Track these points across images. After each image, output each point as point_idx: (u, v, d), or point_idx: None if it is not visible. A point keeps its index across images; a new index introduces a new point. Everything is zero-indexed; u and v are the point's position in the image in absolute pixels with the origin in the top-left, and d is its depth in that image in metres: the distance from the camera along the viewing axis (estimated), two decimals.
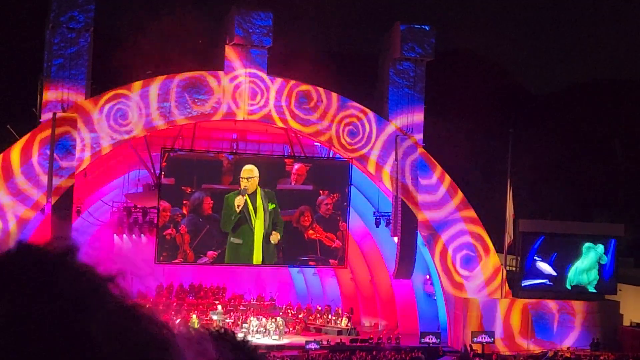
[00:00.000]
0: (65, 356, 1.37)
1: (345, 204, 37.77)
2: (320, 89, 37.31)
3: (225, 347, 1.73)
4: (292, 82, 36.96)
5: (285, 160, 37.45)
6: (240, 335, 1.86)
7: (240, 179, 36.55)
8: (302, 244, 37.50)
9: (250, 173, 36.71)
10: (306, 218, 37.43)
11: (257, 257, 37.08)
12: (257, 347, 1.94)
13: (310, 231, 37.46)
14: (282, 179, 37.03)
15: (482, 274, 38.10)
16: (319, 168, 37.56)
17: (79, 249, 1.51)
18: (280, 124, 36.91)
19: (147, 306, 1.54)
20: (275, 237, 37.13)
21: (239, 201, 36.54)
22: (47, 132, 33.38)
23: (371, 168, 37.74)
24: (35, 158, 33.49)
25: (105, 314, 1.44)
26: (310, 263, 38.65)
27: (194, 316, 36.88)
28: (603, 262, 39.18)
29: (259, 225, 36.83)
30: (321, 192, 37.38)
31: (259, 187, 36.80)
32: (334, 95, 37.44)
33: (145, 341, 1.46)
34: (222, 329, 1.82)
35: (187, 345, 1.59)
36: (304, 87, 37.06)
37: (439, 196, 38.00)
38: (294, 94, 36.84)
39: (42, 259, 1.47)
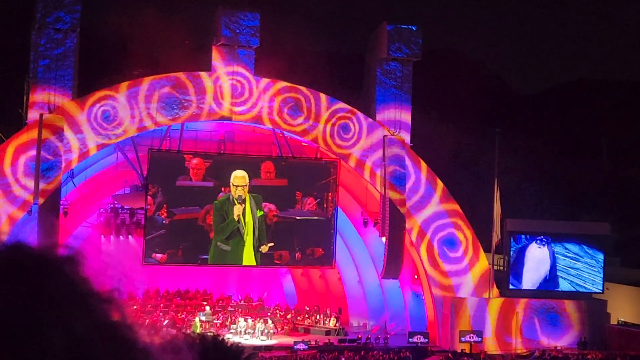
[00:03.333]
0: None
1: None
2: (307, 89, 37.31)
3: (213, 354, 1.72)
4: (279, 82, 36.94)
5: (185, 156, 36.25)
6: (233, 341, 1.85)
7: (232, 186, 36.35)
8: (204, 242, 36.47)
9: (242, 181, 36.50)
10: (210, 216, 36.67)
11: (247, 261, 37.05)
12: (252, 357, 1.93)
13: None
14: (181, 176, 36.03)
15: (470, 271, 38.18)
16: (220, 165, 36.63)
17: (80, 260, 1.48)
18: (267, 125, 36.89)
19: (130, 325, 1.51)
20: (265, 248, 37.07)
21: (238, 210, 36.39)
22: (34, 134, 33.24)
23: (359, 168, 37.76)
24: (21, 160, 33.37)
25: (77, 329, 1.42)
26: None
27: (197, 319, 36.75)
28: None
29: (249, 236, 36.72)
30: (223, 189, 36.71)
31: (247, 193, 36.74)
32: (322, 96, 37.44)
33: None
34: (214, 336, 1.80)
35: (161, 356, 1.57)
36: (291, 87, 37.05)
37: (425, 195, 38.08)
38: (281, 95, 36.82)
39: (32, 260, 1.45)
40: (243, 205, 36.44)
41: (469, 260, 38.25)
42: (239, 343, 1.90)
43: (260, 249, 37.04)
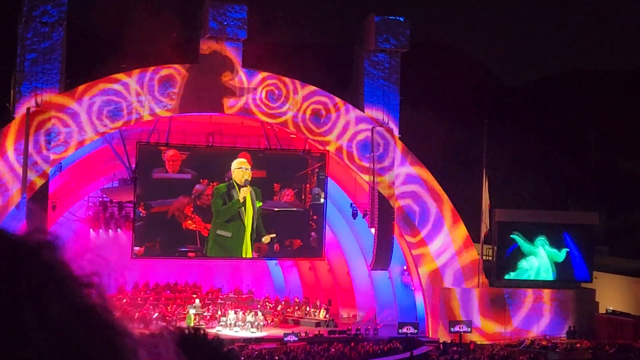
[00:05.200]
0: None
1: None
2: (295, 81, 37.29)
3: (192, 348, 1.72)
4: (267, 74, 36.92)
5: (161, 147, 35.96)
6: (213, 333, 1.85)
7: (236, 170, 36.21)
8: (180, 234, 36.50)
9: (245, 164, 36.44)
10: (187, 208, 36.59)
11: (248, 252, 36.99)
12: (234, 351, 1.94)
13: (189, 222, 36.58)
14: (157, 168, 35.85)
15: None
16: (197, 156, 36.60)
17: (58, 245, 1.49)
18: (255, 117, 36.88)
19: (109, 308, 1.51)
20: (267, 239, 37.03)
21: (244, 192, 36.40)
22: (21, 128, 33.15)
23: (347, 159, 37.78)
24: (9, 154, 33.28)
25: (54, 313, 1.41)
26: (190, 254, 37.23)
27: (191, 312, 36.62)
28: (559, 261, 39.36)
29: (248, 222, 36.69)
30: (201, 180, 36.72)
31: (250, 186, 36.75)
32: (309, 87, 37.44)
33: (92, 349, 1.45)
34: (194, 329, 1.81)
35: (146, 350, 1.57)
36: (278, 78, 37.03)
37: (415, 188, 38.20)
38: (268, 86, 36.80)
39: (9, 244, 1.45)
40: (249, 188, 36.42)
41: (455, 244, 38.36)
42: (220, 336, 1.90)
43: (262, 240, 37.00)
